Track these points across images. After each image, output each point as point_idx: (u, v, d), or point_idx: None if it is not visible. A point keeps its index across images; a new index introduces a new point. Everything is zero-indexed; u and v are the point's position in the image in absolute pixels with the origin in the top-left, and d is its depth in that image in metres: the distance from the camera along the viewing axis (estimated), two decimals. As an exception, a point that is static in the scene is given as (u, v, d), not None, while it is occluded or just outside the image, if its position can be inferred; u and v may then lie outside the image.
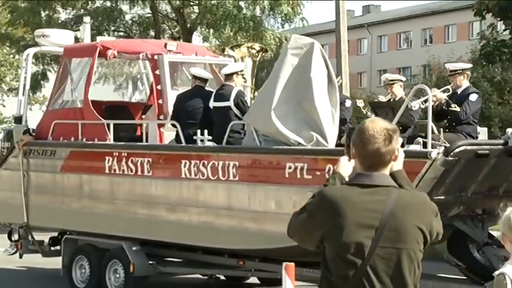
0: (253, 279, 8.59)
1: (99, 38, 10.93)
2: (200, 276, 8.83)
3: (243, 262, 7.75)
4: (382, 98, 8.65)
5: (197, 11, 16.12)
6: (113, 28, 16.18)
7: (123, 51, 9.52)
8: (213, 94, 8.05)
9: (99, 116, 8.65)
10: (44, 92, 18.87)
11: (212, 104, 7.94)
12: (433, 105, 7.36)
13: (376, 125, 2.72)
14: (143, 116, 9.49)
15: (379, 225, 2.62)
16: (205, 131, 7.63)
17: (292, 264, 4.94)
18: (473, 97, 7.83)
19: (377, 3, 49.36)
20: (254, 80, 8.87)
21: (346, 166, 2.93)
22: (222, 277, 8.82)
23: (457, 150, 6.54)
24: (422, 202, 2.82)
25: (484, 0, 13.97)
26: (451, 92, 7.75)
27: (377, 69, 39.53)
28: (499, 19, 14.59)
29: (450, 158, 6.46)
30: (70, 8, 16.98)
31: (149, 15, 16.06)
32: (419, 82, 20.86)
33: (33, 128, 9.37)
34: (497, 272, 3.40)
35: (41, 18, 16.31)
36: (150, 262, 8.11)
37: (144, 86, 10.67)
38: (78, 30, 15.62)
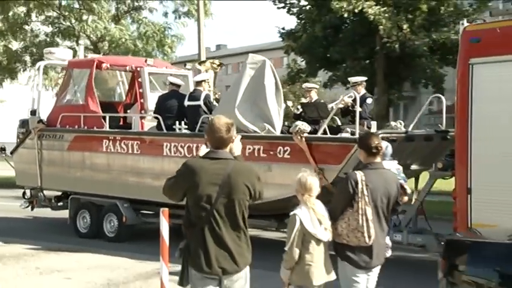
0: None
1: (90, 55, 13.34)
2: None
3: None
4: (304, 100, 10.36)
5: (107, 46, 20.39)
6: None
7: (113, 64, 11.73)
8: (187, 95, 9.74)
9: (99, 110, 10.60)
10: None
11: (186, 103, 9.62)
12: (342, 107, 9.37)
13: (221, 121, 3.77)
14: (128, 111, 11.54)
15: (221, 183, 3.57)
16: (182, 123, 9.48)
17: (167, 209, 5.29)
18: (369, 100, 9.52)
19: (225, 42, 69.07)
20: (214, 85, 10.74)
21: (204, 150, 3.83)
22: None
23: (391, 136, 8.01)
24: (249, 169, 3.82)
25: (289, 43, 20.18)
26: (353, 97, 8.93)
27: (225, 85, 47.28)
28: (298, 55, 20.94)
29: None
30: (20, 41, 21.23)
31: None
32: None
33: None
34: (291, 213, 4.44)
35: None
36: (137, 215, 10.16)
37: (121, 90, 12.76)
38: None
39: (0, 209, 13.74)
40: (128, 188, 10.02)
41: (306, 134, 8.12)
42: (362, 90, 9.59)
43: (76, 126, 10.88)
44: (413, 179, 8.97)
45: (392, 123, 8.97)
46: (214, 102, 9.90)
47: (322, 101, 10.36)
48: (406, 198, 5.69)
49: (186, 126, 9.50)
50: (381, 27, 16.40)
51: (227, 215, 3.59)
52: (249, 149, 8.44)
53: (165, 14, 21.42)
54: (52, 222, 12.29)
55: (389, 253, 5.02)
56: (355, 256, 4.53)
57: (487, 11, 12.78)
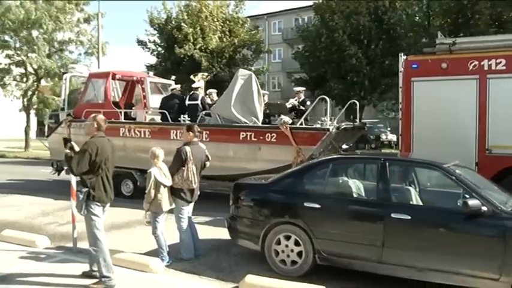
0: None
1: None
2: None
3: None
4: (292, 100, 13.35)
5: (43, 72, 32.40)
6: None
7: (123, 75, 15.64)
8: (187, 97, 13.13)
9: (115, 108, 14.13)
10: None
11: (187, 102, 12.99)
12: (291, 106, 12.97)
13: (98, 117, 6.53)
14: (133, 108, 15.24)
15: (111, 151, 6.47)
16: (186, 116, 12.56)
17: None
18: (308, 102, 13.07)
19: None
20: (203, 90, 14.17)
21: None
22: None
23: (341, 127, 11.66)
24: (112, 145, 6.56)
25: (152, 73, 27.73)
26: (298, 100, 13.17)
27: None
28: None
29: (336, 131, 11.30)
30: None
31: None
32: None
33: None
34: (148, 171, 7.21)
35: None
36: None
37: (114, 94, 16.19)
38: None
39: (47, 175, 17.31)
40: (140, 161, 12.74)
41: (288, 124, 11.32)
42: (302, 96, 13.41)
43: None
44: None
45: (322, 118, 11.82)
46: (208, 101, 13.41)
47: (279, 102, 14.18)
48: (208, 163, 8.26)
49: (190, 119, 12.63)
50: (202, 65, 28.32)
51: (112, 169, 6.36)
52: (243, 134, 11.56)
53: (80, 54, 34.34)
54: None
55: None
56: (185, 195, 7.60)
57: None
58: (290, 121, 11.52)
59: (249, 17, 34.24)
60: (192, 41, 29.11)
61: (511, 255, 5.63)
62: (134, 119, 14.58)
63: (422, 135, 10.48)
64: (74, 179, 7.55)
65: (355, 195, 7.00)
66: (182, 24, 29.63)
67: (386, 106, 32.91)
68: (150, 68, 32.30)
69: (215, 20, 30.17)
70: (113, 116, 13.91)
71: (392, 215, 6.28)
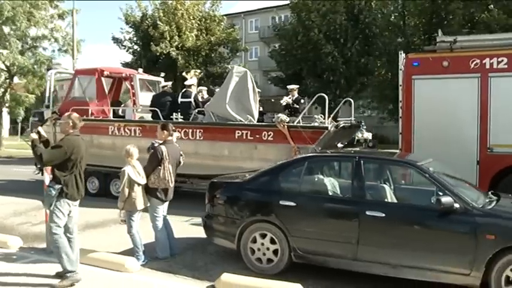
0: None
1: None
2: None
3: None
4: (286, 98, 13.15)
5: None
6: None
7: (112, 72, 15.19)
8: (180, 94, 12.77)
9: (107, 106, 13.76)
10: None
11: (180, 99, 12.66)
12: (286, 104, 12.84)
13: (73, 115, 6.53)
14: (122, 105, 14.86)
15: (85, 149, 6.48)
16: (179, 114, 12.27)
17: (50, 167, 7.13)
18: (302, 101, 13.28)
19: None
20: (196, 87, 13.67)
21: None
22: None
23: (340, 125, 11.38)
24: (86, 144, 6.57)
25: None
26: (292, 98, 13.02)
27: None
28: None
29: (334, 129, 11.04)
30: None
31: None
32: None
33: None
34: (122, 169, 7.05)
35: None
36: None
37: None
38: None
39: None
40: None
41: (286, 123, 10.98)
42: (296, 94, 13.31)
43: (84, 116, 12.98)
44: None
45: (316, 116, 11.89)
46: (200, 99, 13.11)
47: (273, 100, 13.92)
48: (182, 162, 8.22)
49: (182, 117, 12.44)
50: (179, 63, 28.74)
51: (84, 165, 6.38)
52: (238, 132, 11.34)
53: (53, 50, 33.10)
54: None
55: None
56: (160, 194, 7.53)
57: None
58: (288, 119, 11.25)
59: (225, 15, 34.29)
60: (168, 39, 29.03)
61: (481, 251, 5.73)
62: (123, 117, 14.18)
63: (423, 134, 10.44)
64: (47, 178, 7.42)
65: (330, 193, 7.03)
66: (158, 22, 29.53)
67: (362, 104, 33.25)
68: (125, 65, 32.11)
69: (191, 18, 30.14)
70: (103, 113, 13.71)
71: (367, 213, 6.33)
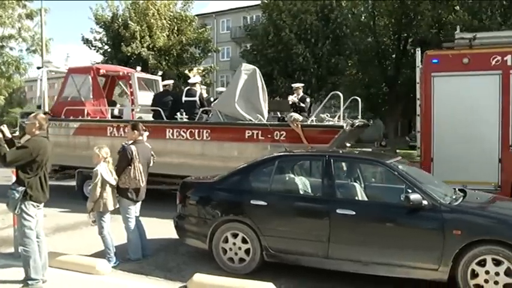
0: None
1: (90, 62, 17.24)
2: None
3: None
4: (292, 96, 12.77)
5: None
6: None
7: (108, 70, 14.73)
8: (184, 92, 12.15)
9: (106, 106, 13.18)
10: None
11: (184, 98, 12.05)
12: (292, 103, 12.37)
13: (39, 116, 6.25)
14: (119, 105, 14.49)
15: (51, 150, 6.24)
16: (184, 113, 11.67)
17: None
18: (307, 99, 12.84)
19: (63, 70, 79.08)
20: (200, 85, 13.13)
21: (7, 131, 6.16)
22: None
23: (355, 124, 11.14)
24: (51, 145, 6.35)
25: None
26: (298, 97, 12.59)
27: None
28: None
29: (349, 128, 10.75)
30: None
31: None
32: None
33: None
34: (94, 169, 7.28)
35: None
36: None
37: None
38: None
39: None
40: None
41: (299, 122, 10.50)
42: (301, 92, 13.01)
43: (80, 116, 12.99)
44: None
45: (321, 115, 11.36)
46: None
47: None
48: (152, 162, 8.08)
49: (187, 116, 11.94)
50: (150, 63, 27.90)
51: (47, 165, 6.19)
52: (249, 133, 10.90)
53: (21, 50, 31.89)
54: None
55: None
56: (131, 194, 7.47)
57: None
58: (301, 118, 10.79)
59: (197, 15, 34.15)
60: (139, 39, 28.77)
61: (448, 246, 5.85)
62: (119, 117, 13.64)
63: (443, 132, 10.32)
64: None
65: (301, 192, 7.08)
66: (129, 22, 29.24)
67: (334, 104, 33.50)
68: None
69: (162, 18, 29.91)
70: (100, 113, 13.21)
71: (338, 211, 6.40)
